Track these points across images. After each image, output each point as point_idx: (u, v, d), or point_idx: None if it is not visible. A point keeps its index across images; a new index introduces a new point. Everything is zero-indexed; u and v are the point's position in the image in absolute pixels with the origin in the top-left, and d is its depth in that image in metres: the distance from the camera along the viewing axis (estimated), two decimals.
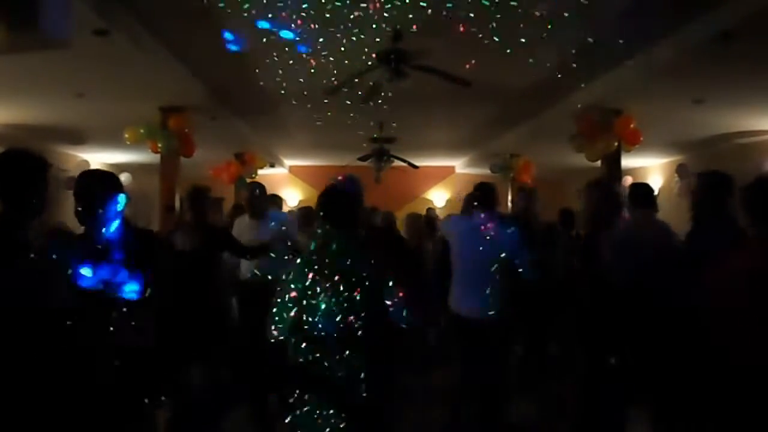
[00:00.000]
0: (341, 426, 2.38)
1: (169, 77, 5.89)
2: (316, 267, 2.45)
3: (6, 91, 6.24)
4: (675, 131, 8.29)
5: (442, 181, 14.06)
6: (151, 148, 7.15)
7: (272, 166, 12.14)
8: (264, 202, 4.82)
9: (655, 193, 4.46)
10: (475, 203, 4.03)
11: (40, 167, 2.32)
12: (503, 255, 3.83)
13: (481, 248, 3.85)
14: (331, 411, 2.38)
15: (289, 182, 13.83)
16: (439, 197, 13.88)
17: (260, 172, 11.14)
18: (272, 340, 2.49)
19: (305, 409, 2.40)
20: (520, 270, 3.85)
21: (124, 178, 10.97)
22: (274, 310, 2.48)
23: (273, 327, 2.47)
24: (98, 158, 10.96)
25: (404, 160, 10.27)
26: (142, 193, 11.11)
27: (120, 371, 2.31)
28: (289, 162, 13.45)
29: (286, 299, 2.45)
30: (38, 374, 2.14)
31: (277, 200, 6.78)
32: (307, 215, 5.82)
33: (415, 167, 10.88)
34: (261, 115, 8.20)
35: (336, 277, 2.41)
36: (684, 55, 5.04)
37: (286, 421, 2.44)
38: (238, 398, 4.41)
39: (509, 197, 11.06)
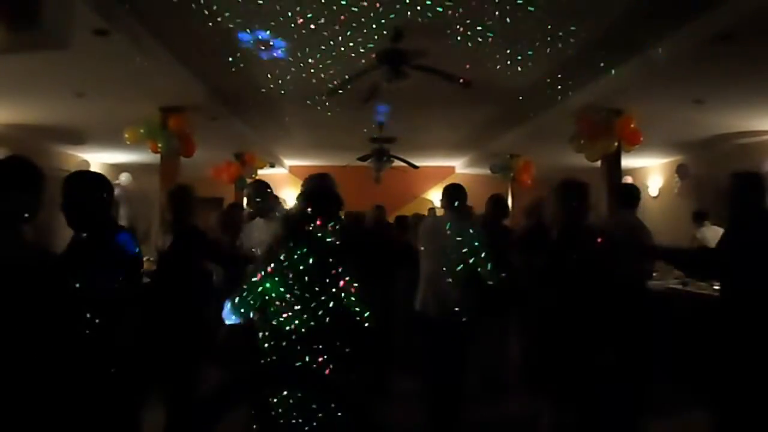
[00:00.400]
0: (320, 421, 2.41)
1: (169, 77, 5.89)
2: (285, 266, 2.49)
3: (6, 91, 6.24)
4: (675, 131, 8.29)
5: (442, 181, 14.04)
6: (151, 148, 7.15)
7: (272, 166, 12.14)
8: (271, 201, 4.55)
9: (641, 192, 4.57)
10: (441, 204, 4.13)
11: (36, 175, 2.30)
12: (465, 254, 3.86)
13: (441, 248, 3.92)
14: (311, 407, 2.41)
15: (289, 182, 13.83)
16: (439, 197, 13.89)
17: (260, 172, 11.13)
18: (227, 322, 2.56)
19: (286, 406, 2.42)
20: (479, 270, 3.88)
21: (124, 178, 10.97)
22: (240, 297, 2.53)
23: (233, 310, 2.53)
24: (98, 158, 10.96)
25: (404, 160, 10.26)
26: (142, 193, 11.11)
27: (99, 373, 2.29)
28: (289, 162, 13.45)
29: (253, 291, 2.52)
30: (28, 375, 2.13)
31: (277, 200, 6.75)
32: None
33: (415, 167, 10.88)
34: (261, 115, 8.20)
35: (303, 278, 2.47)
36: (684, 55, 5.04)
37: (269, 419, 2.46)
38: (237, 398, 4.39)
39: (509, 198, 11.06)
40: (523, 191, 10.63)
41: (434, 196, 14.03)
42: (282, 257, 2.53)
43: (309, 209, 2.57)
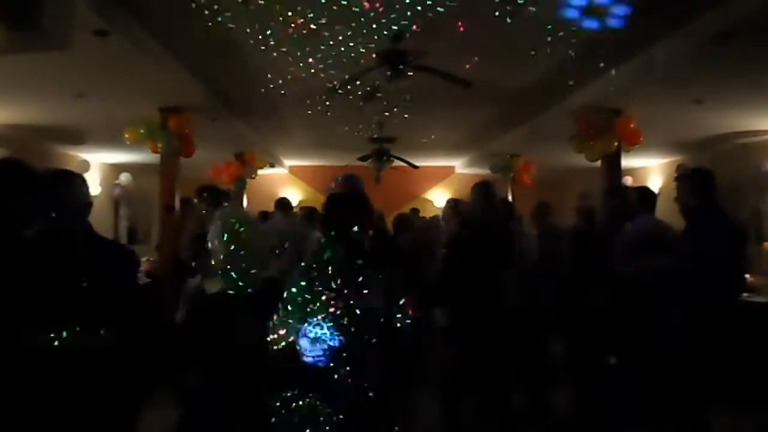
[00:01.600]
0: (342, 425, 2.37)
1: (169, 77, 5.89)
2: (317, 279, 2.42)
3: (6, 91, 6.24)
4: (675, 131, 8.29)
5: (442, 181, 14.06)
6: (151, 148, 7.15)
7: (272, 166, 12.13)
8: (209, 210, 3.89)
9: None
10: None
11: (27, 178, 2.23)
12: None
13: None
14: (334, 412, 2.37)
15: (289, 182, 13.83)
16: (439, 197, 13.89)
17: (260, 172, 11.14)
18: (277, 346, 2.43)
19: (306, 410, 2.38)
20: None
21: (124, 178, 10.97)
22: (277, 317, 2.45)
23: (276, 333, 2.43)
24: (98, 158, 10.95)
25: (404, 160, 10.26)
26: (142, 193, 11.12)
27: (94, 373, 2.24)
28: (289, 162, 13.45)
29: (288, 309, 2.43)
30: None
31: (285, 202, 6.76)
32: (310, 216, 5.80)
33: (415, 167, 10.88)
34: (261, 115, 8.20)
35: (339, 290, 2.38)
36: (684, 55, 5.04)
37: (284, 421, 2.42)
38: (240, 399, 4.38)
39: (509, 198, 11.06)
40: (524, 191, 10.63)
41: (434, 196, 14.03)
42: (313, 258, 2.49)
43: (329, 211, 2.53)
